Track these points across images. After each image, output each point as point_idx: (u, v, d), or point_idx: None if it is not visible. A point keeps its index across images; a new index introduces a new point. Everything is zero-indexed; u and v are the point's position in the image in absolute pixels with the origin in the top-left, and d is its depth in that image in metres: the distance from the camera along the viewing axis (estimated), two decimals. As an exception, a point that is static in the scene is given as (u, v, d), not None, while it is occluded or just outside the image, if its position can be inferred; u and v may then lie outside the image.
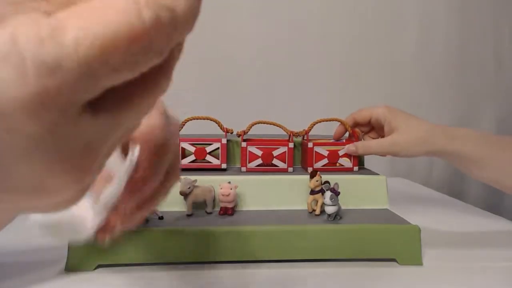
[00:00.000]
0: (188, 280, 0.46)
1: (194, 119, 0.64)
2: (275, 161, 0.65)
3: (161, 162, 0.24)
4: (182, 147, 0.63)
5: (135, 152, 0.22)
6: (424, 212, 0.72)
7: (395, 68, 1.20)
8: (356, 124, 0.66)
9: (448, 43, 1.21)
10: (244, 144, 0.65)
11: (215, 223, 0.53)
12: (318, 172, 0.57)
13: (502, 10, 1.22)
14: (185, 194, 0.55)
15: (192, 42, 0.21)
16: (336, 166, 0.67)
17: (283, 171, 0.65)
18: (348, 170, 0.67)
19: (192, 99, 1.05)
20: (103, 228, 0.23)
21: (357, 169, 0.67)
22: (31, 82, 0.11)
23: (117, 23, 0.12)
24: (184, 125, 0.63)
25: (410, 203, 0.76)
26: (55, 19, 0.12)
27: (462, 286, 0.46)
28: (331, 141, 0.68)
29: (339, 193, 0.54)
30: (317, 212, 0.57)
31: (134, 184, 0.23)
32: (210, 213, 0.57)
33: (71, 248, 0.47)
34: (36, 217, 0.19)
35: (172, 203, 0.58)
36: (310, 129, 0.67)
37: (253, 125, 0.66)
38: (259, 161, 0.65)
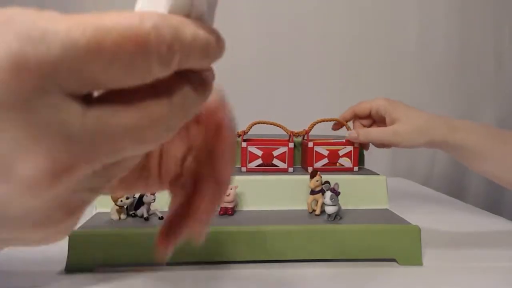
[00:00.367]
0: (188, 280, 0.46)
1: (194, 119, 0.64)
2: (275, 161, 0.65)
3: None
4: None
5: None
6: (424, 212, 0.72)
7: (395, 68, 1.20)
8: (356, 117, 0.66)
9: (448, 43, 1.21)
10: (244, 144, 0.65)
11: (215, 223, 0.53)
12: (318, 172, 0.57)
13: (502, 10, 1.22)
14: (185, 194, 0.55)
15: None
16: (336, 166, 0.67)
17: (283, 171, 0.65)
18: (348, 170, 0.67)
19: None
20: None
21: (357, 169, 0.67)
22: (13, 45, 0.11)
23: (116, 21, 0.13)
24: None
25: (410, 203, 0.76)
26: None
27: (462, 286, 0.46)
28: (331, 141, 0.68)
29: (339, 193, 0.54)
30: (317, 212, 0.57)
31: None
32: (210, 213, 0.57)
33: (71, 248, 0.47)
34: None
35: (172, 203, 0.58)
36: (310, 129, 0.67)
37: (253, 125, 0.66)
38: (259, 161, 0.65)
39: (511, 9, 1.22)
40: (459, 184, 1.25)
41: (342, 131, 0.70)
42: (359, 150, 0.68)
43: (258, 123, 0.65)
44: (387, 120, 0.60)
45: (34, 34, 0.12)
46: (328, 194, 0.53)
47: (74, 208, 0.15)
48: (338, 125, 0.67)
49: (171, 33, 0.14)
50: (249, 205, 0.60)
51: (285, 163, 0.65)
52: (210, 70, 0.17)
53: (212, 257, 0.49)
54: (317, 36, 1.17)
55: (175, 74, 0.15)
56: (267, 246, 0.50)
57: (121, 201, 0.52)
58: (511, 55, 1.23)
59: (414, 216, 0.56)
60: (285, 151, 0.65)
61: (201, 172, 0.22)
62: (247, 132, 0.66)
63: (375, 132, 0.60)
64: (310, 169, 0.65)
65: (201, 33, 0.15)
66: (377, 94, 1.19)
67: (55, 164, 0.12)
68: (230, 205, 0.56)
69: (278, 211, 0.59)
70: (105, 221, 0.52)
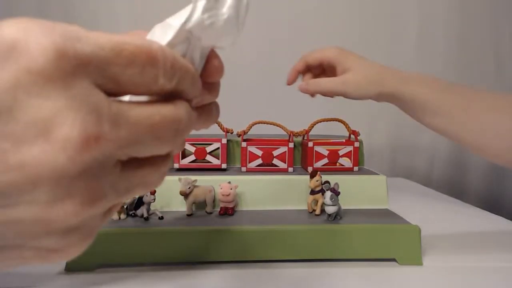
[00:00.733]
0: (188, 280, 0.46)
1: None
2: (275, 161, 0.65)
3: None
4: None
5: None
6: (424, 212, 0.72)
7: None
8: (308, 67, 0.62)
9: (448, 43, 1.21)
10: (244, 144, 0.65)
11: (215, 223, 0.53)
12: (319, 172, 0.57)
13: (502, 10, 1.22)
14: (185, 194, 0.55)
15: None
16: (336, 166, 0.67)
17: (283, 171, 0.65)
18: (348, 170, 0.67)
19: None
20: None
21: (357, 169, 0.67)
22: (57, 40, 0.15)
23: (133, 39, 0.17)
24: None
25: (410, 203, 0.76)
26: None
27: (462, 286, 0.46)
28: (331, 141, 0.68)
29: (339, 193, 0.54)
30: (317, 212, 0.57)
31: None
32: (210, 213, 0.57)
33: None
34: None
35: (172, 203, 0.58)
36: (310, 129, 0.67)
37: (253, 125, 0.66)
38: (259, 161, 0.65)
39: (511, 9, 1.22)
40: (459, 184, 1.24)
41: (342, 131, 0.70)
42: (359, 150, 0.68)
43: (258, 123, 0.65)
44: (338, 69, 0.58)
45: (73, 36, 0.15)
46: (328, 194, 0.53)
47: (93, 202, 0.16)
48: (293, 76, 0.63)
49: (172, 56, 0.18)
50: (249, 205, 0.60)
51: (285, 163, 0.65)
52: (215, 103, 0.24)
53: (212, 257, 0.49)
54: (317, 36, 1.17)
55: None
56: (267, 246, 0.50)
57: (121, 201, 0.52)
58: (511, 55, 1.23)
59: (414, 216, 0.56)
60: (285, 151, 0.65)
61: None
62: (247, 132, 0.66)
63: (324, 82, 0.57)
64: (310, 169, 0.65)
65: (191, 66, 0.19)
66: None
67: (86, 132, 0.15)
68: (230, 205, 0.56)
69: (278, 211, 0.59)
70: (105, 221, 0.52)
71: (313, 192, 0.57)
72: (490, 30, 1.22)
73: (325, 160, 0.66)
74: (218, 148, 0.65)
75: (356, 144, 0.67)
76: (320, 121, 0.68)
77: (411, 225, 0.52)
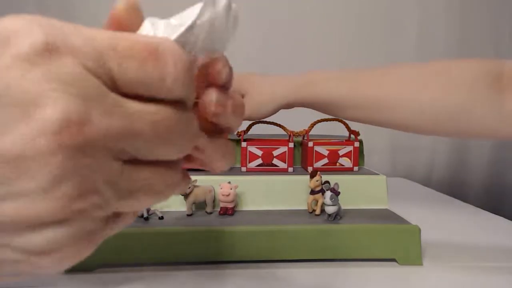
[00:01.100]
0: (188, 280, 0.46)
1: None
2: (275, 161, 0.65)
3: None
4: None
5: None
6: (424, 212, 0.72)
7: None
8: None
9: (448, 43, 1.21)
10: (244, 144, 0.65)
11: (215, 223, 0.53)
12: (319, 172, 0.57)
13: (502, 10, 1.22)
14: (185, 194, 0.55)
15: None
16: (336, 166, 0.67)
17: (283, 171, 0.65)
18: (348, 170, 0.67)
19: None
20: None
21: (357, 169, 0.67)
22: (42, 33, 0.15)
23: (127, 35, 0.16)
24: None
25: (410, 203, 0.76)
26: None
27: (462, 286, 0.46)
28: (331, 140, 0.68)
29: (339, 193, 0.54)
30: (317, 212, 0.57)
31: None
32: (210, 213, 0.57)
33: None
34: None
35: (172, 203, 0.58)
36: (310, 129, 0.67)
37: (253, 124, 0.66)
38: (259, 161, 0.65)
39: (511, 9, 1.22)
40: (459, 184, 1.24)
41: (342, 131, 0.70)
42: (359, 150, 0.68)
43: (258, 123, 0.65)
44: None
45: (65, 28, 0.15)
46: (328, 194, 0.53)
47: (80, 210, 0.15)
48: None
49: (189, 61, 0.17)
50: (249, 205, 0.60)
51: (285, 163, 0.65)
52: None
53: (212, 257, 0.49)
54: (317, 35, 1.17)
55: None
56: (267, 246, 0.50)
57: (121, 201, 0.52)
58: (511, 55, 1.23)
59: (414, 216, 0.56)
60: (285, 151, 0.65)
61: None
62: (247, 132, 0.66)
63: None
64: (310, 169, 0.65)
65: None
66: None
67: (69, 115, 0.14)
68: (230, 205, 0.56)
69: (278, 211, 0.59)
70: (105, 221, 0.52)
71: (313, 192, 0.57)
72: (490, 30, 1.22)
73: (325, 160, 0.66)
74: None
75: (356, 144, 0.67)
76: (320, 121, 0.68)
77: (411, 225, 0.52)
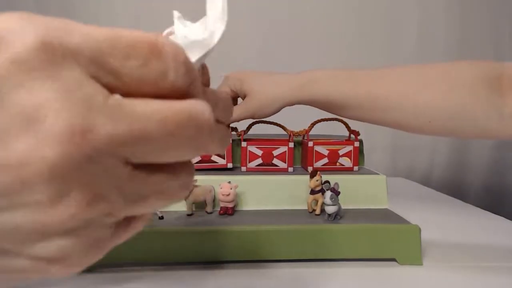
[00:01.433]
0: (188, 280, 0.46)
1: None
2: (275, 161, 0.65)
3: None
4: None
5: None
6: (424, 212, 0.72)
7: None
8: None
9: (448, 43, 1.21)
10: (244, 143, 0.65)
11: (215, 223, 0.53)
12: (319, 172, 0.57)
13: (502, 10, 1.22)
14: (185, 194, 0.55)
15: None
16: (336, 165, 0.67)
17: (283, 171, 0.65)
18: (348, 170, 0.67)
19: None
20: None
21: (357, 169, 0.67)
22: (39, 32, 0.14)
23: (127, 32, 0.16)
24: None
25: (410, 203, 0.76)
26: None
27: (462, 286, 0.46)
28: (331, 140, 0.68)
29: (339, 193, 0.54)
30: (317, 212, 0.57)
31: None
32: (210, 213, 0.57)
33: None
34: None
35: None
36: (310, 129, 0.67)
37: (252, 124, 0.66)
38: (259, 160, 0.65)
39: (511, 9, 1.22)
40: (459, 184, 1.24)
41: (342, 131, 0.70)
42: (359, 150, 0.68)
43: (258, 122, 0.65)
44: (240, 96, 0.61)
45: (61, 27, 0.15)
46: (328, 193, 0.53)
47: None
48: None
49: (185, 54, 0.16)
50: (249, 205, 0.60)
51: (285, 162, 0.65)
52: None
53: (212, 257, 0.49)
54: (317, 35, 1.17)
55: None
56: (267, 246, 0.50)
57: (121, 201, 0.52)
58: (511, 55, 1.23)
59: (414, 216, 0.56)
60: (285, 151, 0.65)
61: None
62: (247, 132, 0.66)
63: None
64: (310, 168, 0.65)
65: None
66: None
67: (73, 124, 0.14)
68: (230, 205, 0.56)
69: (278, 211, 0.59)
70: (105, 221, 0.52)
71: (313, 192, 0.57)
72: (490, 30, 1.22)
73: (325, 160, 0.66)
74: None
75: (356, 144, 0.67)
76: (320, 121, 0.68)
77: (411, 225, 0.52)
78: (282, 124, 0.66)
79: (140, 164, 0.16)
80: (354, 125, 0.68)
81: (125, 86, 0.15)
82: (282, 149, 0.65)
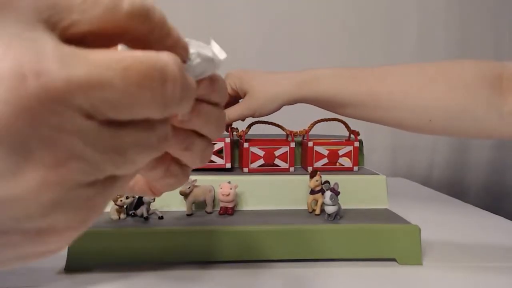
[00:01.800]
0: (188, 280, 0.46)
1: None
2: (277, 161, 0.65)
3: None
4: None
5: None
6: (424, 212, 0.72)
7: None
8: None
9: (448, 43, 1.21)
10: (246, 144, 0.65)
11: (215, 223, 0.53)
12: (318, 172, 0.57)
13: (502, 10, 1.22)
14: (185, 194, 0.55)
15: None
16: (336, 165, 0.67)
17: (285, 171, 0.65)
18: (348, 170, 0.67)
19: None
20: None
21: (357, 169, 0.67)
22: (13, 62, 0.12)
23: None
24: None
25: (410, 203, 0.76)
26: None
27: (462, 286, 0.46)
28: (331, 140, 0.67)
29: (339, 193, 0.54)
30: (317, 212, 0.57)
31: None
32: (210, 213, 0.57)
33: (71, 248, 0.47)
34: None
35: (172, 203, 0.58)
36: (310, 129, 0.67)
37: (252, 124, 0.66)
38: (261, 161, 0.65)
39: (511, 9, 1.22)
40: (459, 184, 1.25)
41: (342, 131, 0.70)
42: (359, 150, 0.68)
43: (257, 123, 0.65)
44: (240, 94, 0.61)
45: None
46: (328, 194, 0.53)
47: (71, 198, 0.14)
48: None
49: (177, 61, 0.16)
50: (249, 205, 0.60)
51: (286, 163, 0.65)
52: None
53: (212, 257, 0.49)
54: (317, 35, 1.17)
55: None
56: (266, 246, 0.50)
57: (121, 200, 0.52)
58: (511, 55, 1.23)
59: (414, 216, 0.56)
60: (287, 151, 0.65)
61: None
62: (247, 132, 0.66)
63: (231, 112, 0.60)
64: (310, 169, 0.65)
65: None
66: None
67: (22, 67, 0.12)
68: (230, 205, 0.56)
69: (278, 211, 0.59)
70: (105, 221, 0.52)
71: (313, 192, 0.57)
72: (490, 30, 1.22)
73: (325, 160, 0.66)
74: (222, 147, 0.64)
75: (356, 144, 0.67)
76: (320, 121, 0.68)
77: (411, 225, 0.52)
78: (282, 124, 0.66)
79: (107, 120, 0.14)
80: (354, 125, 0.68)
81: (80, 25, 0.14)
82: (284, 149, 0.65)
